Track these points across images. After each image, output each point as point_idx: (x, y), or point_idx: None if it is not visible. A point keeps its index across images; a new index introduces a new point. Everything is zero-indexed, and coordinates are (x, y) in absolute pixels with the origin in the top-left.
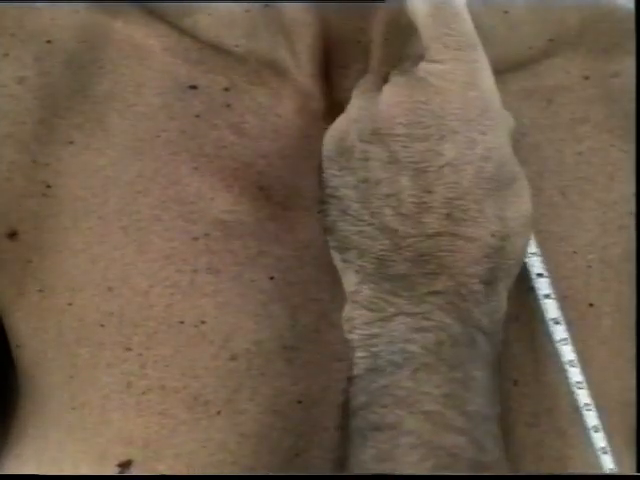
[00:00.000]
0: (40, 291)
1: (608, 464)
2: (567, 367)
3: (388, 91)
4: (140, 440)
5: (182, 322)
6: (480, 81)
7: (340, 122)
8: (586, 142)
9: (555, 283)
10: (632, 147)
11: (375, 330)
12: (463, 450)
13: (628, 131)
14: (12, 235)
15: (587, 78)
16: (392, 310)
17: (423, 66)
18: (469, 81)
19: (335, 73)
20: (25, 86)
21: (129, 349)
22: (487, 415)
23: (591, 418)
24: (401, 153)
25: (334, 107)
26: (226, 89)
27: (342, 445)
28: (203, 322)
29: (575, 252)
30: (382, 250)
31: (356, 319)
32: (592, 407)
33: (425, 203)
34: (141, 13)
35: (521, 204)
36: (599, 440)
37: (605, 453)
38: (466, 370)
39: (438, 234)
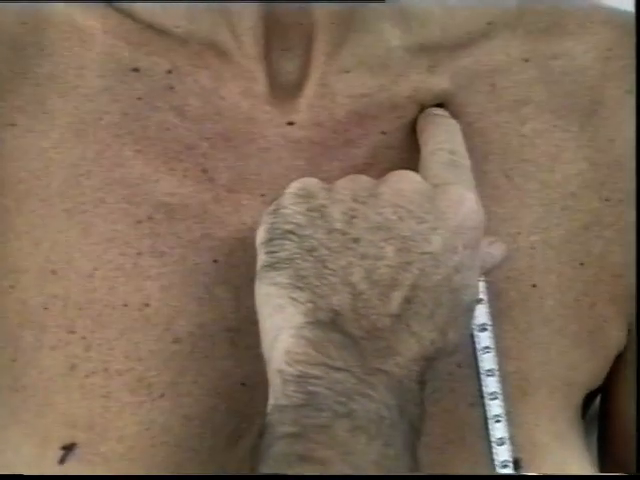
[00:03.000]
0: None
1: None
2: (483, 377)
3: (403, 174)
4: (84, 422)
5: (126, 305)
6: (479, 209)
7: (316, 179)
8: (529, 124)
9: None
10: (575, 127)
11: (317, 373)
12: None
13: (571, 111)
14: None
15: (527, 60)
16: (339, 363)
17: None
18: (471, 203)
19: (277, 55)
20: None
21: (73, 332)
22: None
23: (498, 430)
24: (396, 224)
25: (277, 89)
26: (168, 71)
27: (253, 463)
28: (147, 305)
29: (519, 233)
30: (340, 304)
31: (299, 355)
32: (502, 418)
33: (397, 279)
34: None
35: (460, 335)
36: (503, 452)
37: (505, 467)
38: (397, 451)
39: (396, 316)
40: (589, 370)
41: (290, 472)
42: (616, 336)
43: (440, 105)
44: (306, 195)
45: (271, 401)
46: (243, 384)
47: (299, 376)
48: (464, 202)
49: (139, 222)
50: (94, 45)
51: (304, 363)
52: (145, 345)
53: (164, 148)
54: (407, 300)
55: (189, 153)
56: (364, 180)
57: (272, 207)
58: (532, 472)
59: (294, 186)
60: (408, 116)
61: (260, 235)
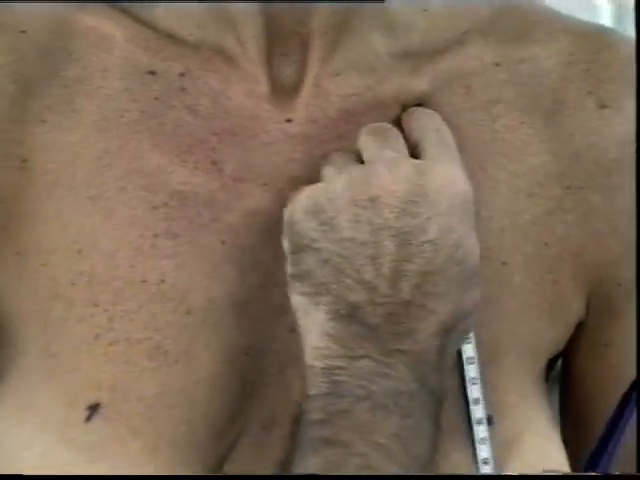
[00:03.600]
0: (17, 253)
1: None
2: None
3: (392, 168)
4: (107, 385)
5: (144, 281)
6: (464, 181)
7: (319, 188)
8: (500, 121)
9: None
10: (540, 124)
11: (340, 363)
12: None
13: (536, 110)
14: None
15: (498, 65)
16: (360, 352)
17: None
18: (456, 179)
19: (277, 60)
20: (2, 71)
21: (97, 305)
22: (426, 461)
23: (475, 391)
24: (393, 222)
25: (277, 90)
26: (182, 74)
27: (291, 451)
28: (163, 281)
29: (491, 217)
30: (358, 300)
31: (324, 350)
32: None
33: (403, 271)
34: (105, 7)
35: (475, 294)
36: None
37: (480, 424)
38: (416, 420)
39: (408, 301)
40: (552, 338)
41: (317, 455)
42: (576, 308)
43: (419, 105)
44: (315, 211)
45: (306, 392)
46: (247, 353)
47: (324, 368)
48: (451, 182)
49: (155, 208)
50: (116, 51)
51: (328, 357)
52: (161, 317)
53: (178, 142)
54: (417, 286)
55: (200, 147)
56: (360, 182)
57: (287, 217)
58: (501, 427)
59: (304, 202)
60: (392, 114)
61: (284, 244)
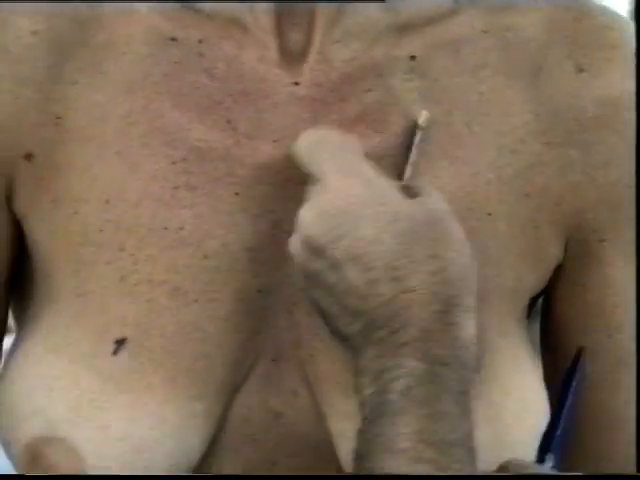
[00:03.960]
0: (52, 202)
1: None
2: None
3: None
4: (132, 322)
5: (165, 228)
6: (441, 207)
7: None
8: (485, 83)
9: (461, 197)
10: (522, 86)
11: (370, 390)
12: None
13: (519, 73)
14: (28, 157)
15: (485, 32)
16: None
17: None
18: (436, 210)
19: (286, 29)
20: (38, 37)
21: (123, 249)
22: (452, 441)
23: None
24: (336, 255)
25: (286, 56)
26: (200, 41)
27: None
28: (182, 228)
29: (478, 172)
30: (358, 328)
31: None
32: None
33: (370, 279)
34: None
35: (454, 238)
36: None
37: None
38: (432, 405)
39: (391, 298)
40: (533, 280)
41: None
42: (555, 252)
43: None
44: (309, 254)
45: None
46: (259, 291)
47: (362, 398)
48: (432, 220)
49: (175, 162)
50: (140, 20)
51: (364, 388)
52: (181, 260)
53: (196, 103)
54: (392, 279)
55: (216, 107)
56: (338, 237)
57: (291, 243)
58: (485, 364)
59: (295, 244)
60: (386, 76)
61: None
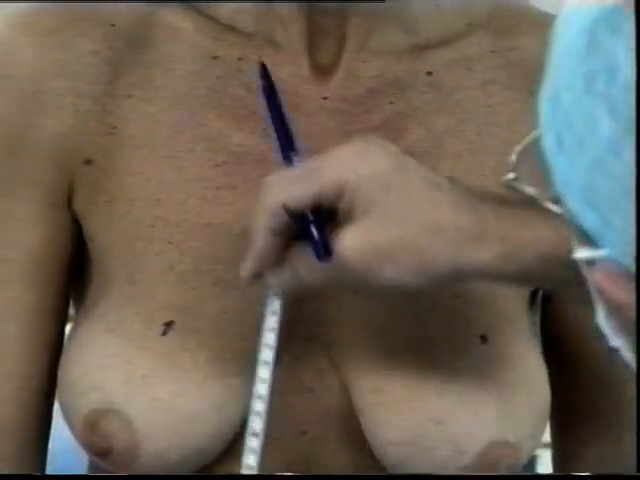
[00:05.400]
0: (107, 202)
1: None
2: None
3: None
4: (179, 307)
5: (208, 224)
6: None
7: None
8: (494, 98)
9: None
10: (527, 100)
11: None
12: None
13: (523, 89)
14: (88, 162)
15: (493, 52)
16: None
17: None
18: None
19: (317, 50)
20: (97, 56)
21: (171, 243)
22: None
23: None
24: None
25: (316, 73)
26: (239, 59)
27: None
28: (223, 224)
29: (484, 175)
30: None
31: None
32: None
33: None
34: (179, 5)
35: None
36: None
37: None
38: None
39: None
40: None
41: None
42: None
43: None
44: None
45: None
46: None
47: None
48: None
49: (218, 165)
50: (186, 40)
51: None
52: (223, 252)
53: (236, 113)
54: None
55: (253, 116)
56: None
57: None
58: (493, 345)
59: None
60: (406, 90)
61: None
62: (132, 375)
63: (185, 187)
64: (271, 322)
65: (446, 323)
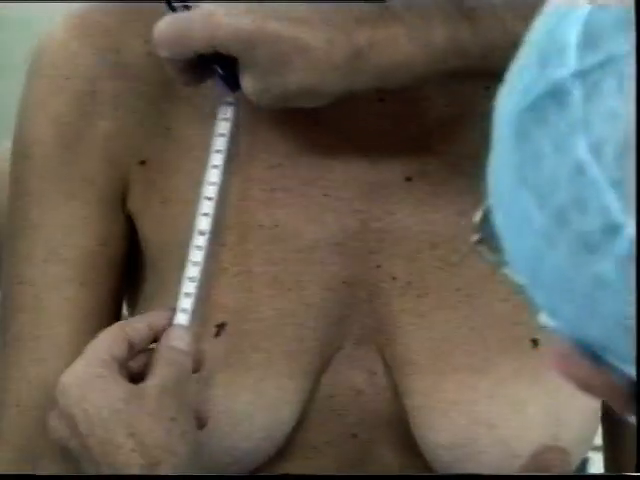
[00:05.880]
0: (161, 202)
1: None
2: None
3: None
4: (232, 308)
5: (261, 226)
6: None
7: None
8: None
9: None
10: None
11: None
12: None
13: None
14: (142, 162)
15: None
16: None
17: None
18: None
19: None
20: (152, 58)
21: (224, 245)
22: None
23: None
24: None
25: None
26: None
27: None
28: (277, 225)
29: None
30: None
31: None
32: None
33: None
34: None
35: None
36: None
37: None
38: None
39: None
40: None
41: None
42: None
43: None
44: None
45: None
46: (345, 282)
47: None
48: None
49: (272, 167)
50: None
51: None
52: (276, 254)
53: (291, 116)
54: None
55: (309, 119)
56: None
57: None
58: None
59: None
60: (461, 94)
61: None
62: None
63: (239, 188)
64: (221, 128)
65: (497, 327)
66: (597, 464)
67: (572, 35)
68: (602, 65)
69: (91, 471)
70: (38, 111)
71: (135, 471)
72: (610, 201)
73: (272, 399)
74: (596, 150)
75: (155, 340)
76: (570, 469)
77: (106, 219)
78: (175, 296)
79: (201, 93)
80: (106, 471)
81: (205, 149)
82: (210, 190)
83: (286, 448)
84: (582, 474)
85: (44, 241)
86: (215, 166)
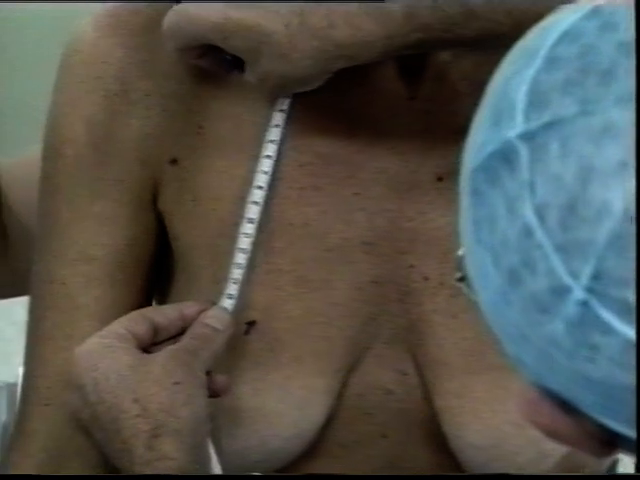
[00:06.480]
0: (192, 200)
1: None
2: None
3: None
4: (262, 307)
5: (291, 224)
6: None
7: None
8: None
9: None
10: None
11: None
12: None
13: None
14: (173, 162)
15: None
16: None
17: None
18: None
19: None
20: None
21: (255, 243)
22: None
23: None
24: None
25: (405, 75)
26: None
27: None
28: (307, 224)
29: None
30: None
31: None
32: None
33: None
34: None
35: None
36: None
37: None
38: None
39: None
40: None
41: None
42: None
43: None
44: None
45: None
46: (374, 282)
47: None
48: None
49: (302, 165)
50: None
51: None
52: (305, 252)
53: (322, 114)
54: None
55: (339, 118)
56: None
57: None
58: None
59: None
60: None
61: None
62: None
63: (270, 186)
64: (276, 119)
65: None
66: (628, 465)
67: (521, 94)
68: (547, 127)
69: (102, 443)
70: (69, 111)
71: (141, 438)
72: (556, 264)
73: (301, 397)
74: (541, 213)
75: (184, 330)
76: (601, 470)
77: (136, 219)
78: (205, 294)
79: (233, 91)
80: (114, 439)
81: (237, 147)
82: (262, 179)
83: (315, 447)
84: (579, 474)
85: (74, 240)
86: (268, 156)
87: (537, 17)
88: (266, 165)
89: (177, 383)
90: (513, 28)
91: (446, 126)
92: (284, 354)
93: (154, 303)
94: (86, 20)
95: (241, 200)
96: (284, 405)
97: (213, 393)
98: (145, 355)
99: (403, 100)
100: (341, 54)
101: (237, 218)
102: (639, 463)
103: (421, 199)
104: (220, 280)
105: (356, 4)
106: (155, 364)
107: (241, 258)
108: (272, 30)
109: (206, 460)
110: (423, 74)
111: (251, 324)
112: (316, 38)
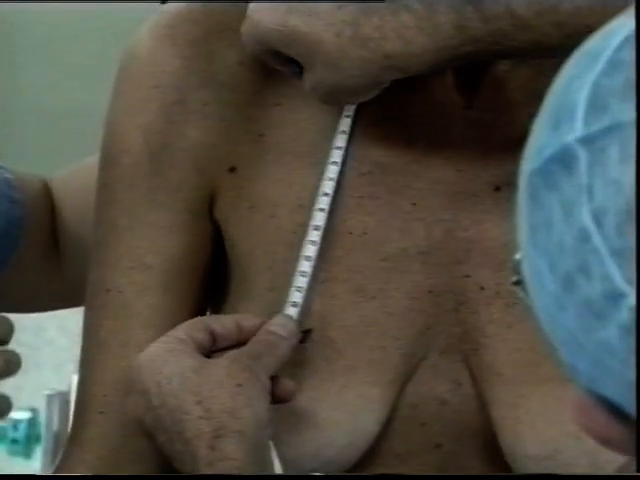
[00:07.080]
0: (249, 208)
1: None
2: None
3: None
4: (317, 315)
5: (350, 233)
6: None
7: None
8: None
9: None
10: None
11: None
12: None
13: None
14: (232, 170)
15: None
16: None
17: None
18: None
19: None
20: (244, 67)
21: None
22: None
23: None
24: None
25: (461, 83)
26: None
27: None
28: (365, 233)
29: None
30: None
31: None
32: None
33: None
34: None
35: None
36: None
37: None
38: None
39: None
40: None
41: None
42: None
43: None
44: None
45: None
46: (430, 291)
47: None
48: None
49: (362, 175)
50: None
51: None
52: (362, 261)
53: (382, 123)
54: None
55: (397, 127)
56: None
57: None
58: None
59: None
60: None
61: None
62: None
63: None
64: (343, 125)
65: None
66: None
67: (581, 98)
68: (607, 131)
69: (165, 446)
70: (126, 119)
71: (204, 439)
72: (612, 270)
73: (355, 406)
74: (598, 218)
75: (243, 341)
76: None
77: (191, 227)
78: (260, 301)
79: (295, 98)
80: (177, 441)
81: (296, 154)
82: (328, 185)
83: (369, 456)
84: (580, 474)
85: (130, 249)
86: (335, 162)
87: (585, 29)
88: (332, 172)
89: (239, 385)
90: (561, 40)
91: (502, 136)
92: (339, 363)
93: (209, 312)
94: (143, 30)
95: (299, 207)
96: (339, 414)
97: (279, 399)
98: (208, 360)
99: (459, 109)
100: (390, 65)
101: (294, 225)
102: (639, 463)
103: (477, 209)
104: (276, 287)
105: (408, 16)
106: (218, 367)
107: (306, 266)
108: (323, 39)
109: (267, 463)
110: (480, 83)
111: (307, 332)
112: (366, 49)
